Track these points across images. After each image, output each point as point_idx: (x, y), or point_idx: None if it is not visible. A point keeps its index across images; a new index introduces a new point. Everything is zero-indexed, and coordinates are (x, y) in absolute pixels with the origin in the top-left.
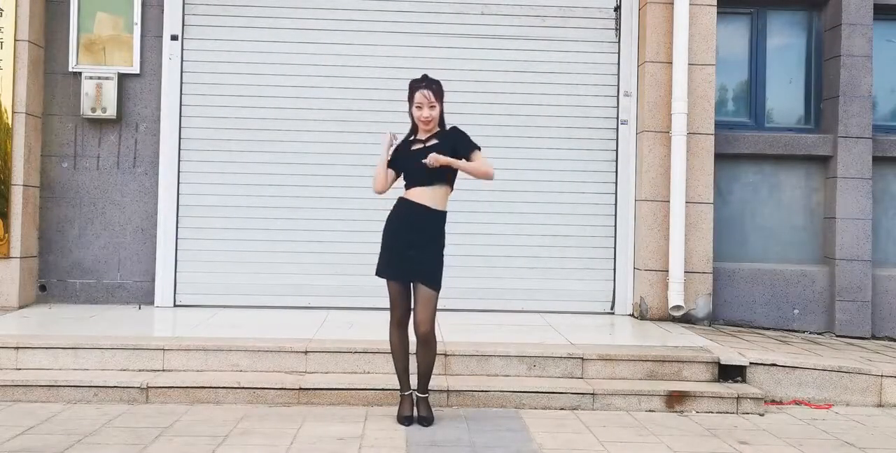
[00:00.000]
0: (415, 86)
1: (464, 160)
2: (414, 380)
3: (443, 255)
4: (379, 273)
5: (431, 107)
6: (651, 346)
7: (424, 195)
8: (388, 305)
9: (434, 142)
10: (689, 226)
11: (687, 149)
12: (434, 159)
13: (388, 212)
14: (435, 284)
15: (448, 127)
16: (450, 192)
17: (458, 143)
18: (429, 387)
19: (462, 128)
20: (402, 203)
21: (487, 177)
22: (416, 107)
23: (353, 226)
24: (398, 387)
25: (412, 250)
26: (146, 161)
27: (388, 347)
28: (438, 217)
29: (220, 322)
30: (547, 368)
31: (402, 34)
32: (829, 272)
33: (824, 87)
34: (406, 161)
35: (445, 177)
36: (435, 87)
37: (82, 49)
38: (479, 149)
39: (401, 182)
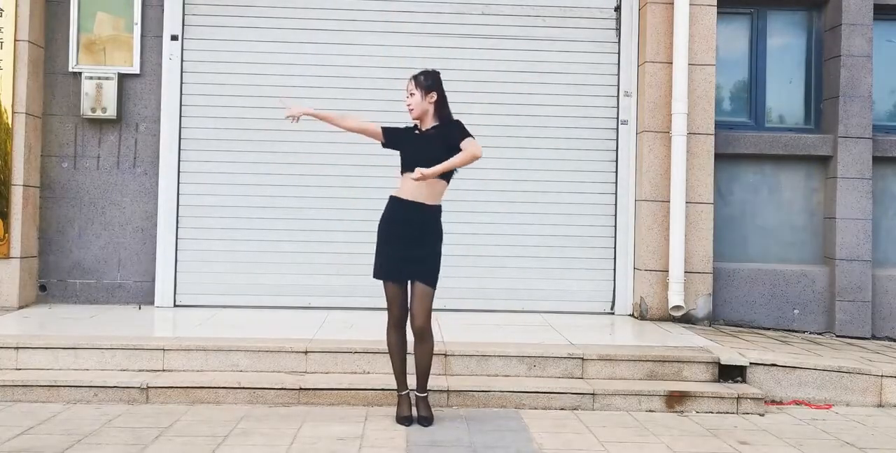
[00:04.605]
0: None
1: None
2: (411, 380)
3: (441, 250)
4: (377, 275)
5: (410, 94)
6: (651, 346)
7: (418, 190)
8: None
9: (431, 132)
10: (689, 226)
11: (687, 149)
12: (420, 173)
13: None
14: (433, 282)
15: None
16: (445, 186)
17: (450, 134)
18: (428, 387)
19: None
20: (395, 202)
21: (475, 158)
22: (408, 95)
23: (354, 227)
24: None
25: (411, 249)
26: (146, 161)
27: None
28: (433, 212)
29: (220, 322)
30: (547, 368)
31: (402, 34)
32: (829, 272)
33: (824, 87)
34: (406, 145)
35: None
36: (421, 77)
37: (82, 49)
38: (471, 136)
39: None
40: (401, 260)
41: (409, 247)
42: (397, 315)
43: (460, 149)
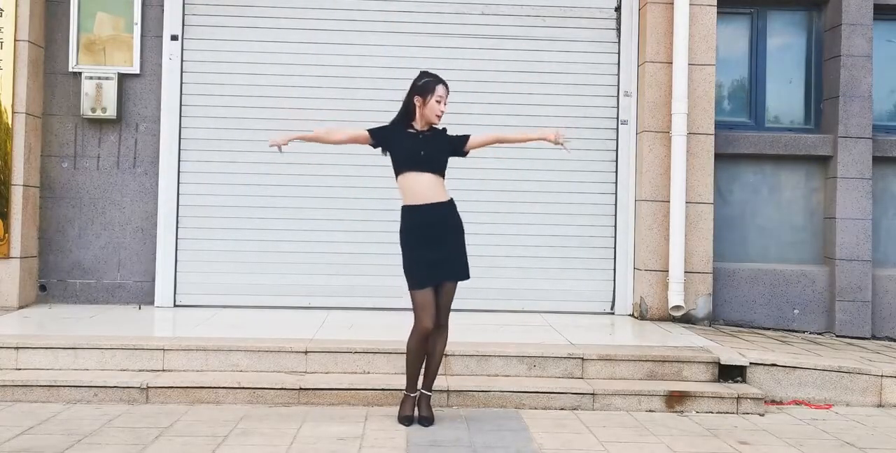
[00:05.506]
0: (436, 79)
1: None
2: (420, 381)
3: (465, 242)
4: (413, 286)
5: (446, 103)
6: (651, 346)
7: (425, 190)
8: (388, 306)
9: (428, 134)
10: (689, 226)
11: (687, 149)
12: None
13: (389, 210)
14: (463, 277)
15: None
16: (442, 180)
17: (453, 140)
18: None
19: (463, 128)
20: (411, 210)
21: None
22: (437, 100)
23: (354, 227)
24: (398, 388)
25: (439, 251)
26: (146, 161)
27: (388, 347)
28: (450, 207)
29: (220, 322)
30: (547, 368)
31: (402, 34)
32: (829, 272)
33: (824, 87)
34: (401, 143)
35: (441, 164)
36: None
37: (82, 49)
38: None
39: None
40: (432, 263)
41: (434, 250)
42: (428, 326)
43: (459, 147)
